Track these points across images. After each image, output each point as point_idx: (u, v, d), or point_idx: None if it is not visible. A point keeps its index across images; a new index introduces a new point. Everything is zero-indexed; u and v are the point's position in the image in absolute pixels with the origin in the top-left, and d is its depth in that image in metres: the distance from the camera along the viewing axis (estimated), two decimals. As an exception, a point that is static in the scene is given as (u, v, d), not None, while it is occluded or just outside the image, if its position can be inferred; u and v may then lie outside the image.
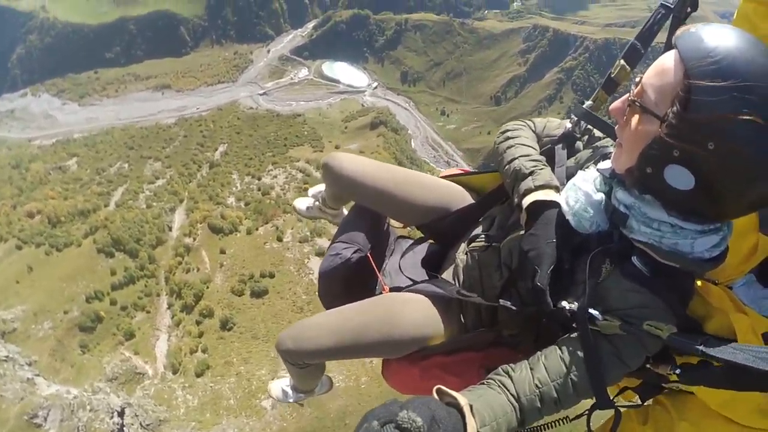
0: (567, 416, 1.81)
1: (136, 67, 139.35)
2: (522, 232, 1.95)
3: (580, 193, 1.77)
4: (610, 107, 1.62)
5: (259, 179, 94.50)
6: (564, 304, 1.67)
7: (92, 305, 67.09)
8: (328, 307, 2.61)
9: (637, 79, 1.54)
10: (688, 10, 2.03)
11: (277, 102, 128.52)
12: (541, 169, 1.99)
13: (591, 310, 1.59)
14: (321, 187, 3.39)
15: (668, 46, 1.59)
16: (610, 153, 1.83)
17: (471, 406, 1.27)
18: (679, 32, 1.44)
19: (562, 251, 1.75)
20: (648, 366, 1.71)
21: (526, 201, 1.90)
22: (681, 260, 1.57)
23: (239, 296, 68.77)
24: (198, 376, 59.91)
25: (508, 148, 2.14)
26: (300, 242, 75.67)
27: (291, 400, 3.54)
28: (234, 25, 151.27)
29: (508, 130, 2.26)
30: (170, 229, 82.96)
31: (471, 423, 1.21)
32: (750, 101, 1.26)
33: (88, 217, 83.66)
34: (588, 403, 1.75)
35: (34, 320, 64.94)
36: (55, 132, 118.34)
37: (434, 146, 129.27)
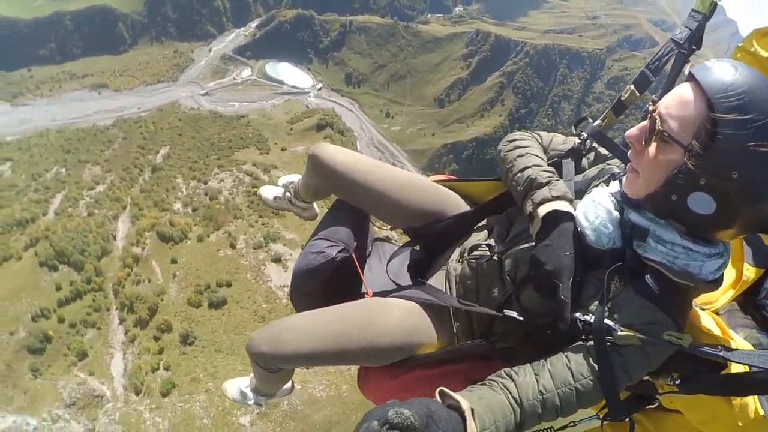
0: (552, 426, 1.81)
1: (72, 65, 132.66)
2: (529, 244, 1.95)
3: (600, 208, 1.78)
4: (627, 134, 1.67)
5: (206, 183, 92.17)
6: (578, 315, 1.70)
7: (39, 324, 63.52)
8: (300, 309, 2.47)
9: (651, 108, 1.62)
10: (693, 47, 2.23)
11: (220, 103, 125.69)
12: (557, 180, 1.97)
13: (608, 322, 1.64)
14: (293, 177, 3.29)
15: (672, 77, 1.78)
16: (618, 174, 1.93)
17: (472, 410, 1.28)
18: (697, 67, 1.52)
19: (578, 264, 1.76)
20: (646, 378, 1.81)
21: (543, 210, 1.86)
22: (691, 280, 1.65)
23: (197, 308, 66.84)
24: (164, 395, 57.68)
25: (519, 156, 2.10)
26: (254, 248, 74.52)
27: (250, 403, 3.34)
28: (174, 23, 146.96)
29: (516, 140, 2.22)
30: (115, 238, 79.39)
31: (471, 427, 1.22)
32: (766, 134, 1.40)
33: (27, 228, 78.97)
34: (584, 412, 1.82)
35: (-22, 344, 60.61)
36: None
37: (379, 148, 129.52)
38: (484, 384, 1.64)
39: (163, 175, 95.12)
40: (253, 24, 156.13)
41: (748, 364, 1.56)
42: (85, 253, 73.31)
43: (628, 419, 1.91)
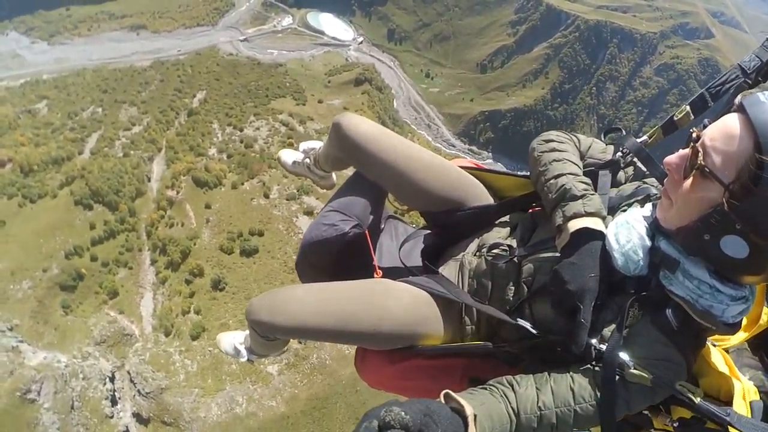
0: None
1: (111, 5, 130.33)
2: (552, 254, 1.91)
3: (633, 233, 1.72)
4: (666, 161, 1.60)
5: (241, 131, 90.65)
6: (593, 342, 1.67)
7: (72, 262, 63.42)
8: (305, 280, 2.51)
9: (695, 136, 1.54)
10: (759, 79, 2.07)
11: (258, 50, 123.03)
12: (592, 194, 1.89)
13: (622, 355, 1.62)
14: (315, 144, 3.23)
15: (729, 107, 1.60)
16: (655, 195, 1.88)
17: (475, 417, 1.27)
18: (749, 98, 1.44)
19: (601, 288, 1.72)
20: (644, 412, 1.78)
21: (574, 225, 1.81)
22: (712, 322, 1.61)
23: (229, 254, 66.07)
24: (194, 339, 57.48)
25: (555, 161, 2.02)
26: (287, 200, 73.40)
27: (243, 359, 3.26)
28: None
29: (553, 141, 2.13)
30: (149, 180, 79.04)
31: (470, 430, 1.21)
32: None
33: (63, 166, 78.56)
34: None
35: (12, 280, 60.51)
36: (23, 72, 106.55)
37: (416, 108, 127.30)
38: (485, 388, 1.65)
39: (199, 119, 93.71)
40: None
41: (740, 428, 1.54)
42: (119, 193, 72.97)
43: None
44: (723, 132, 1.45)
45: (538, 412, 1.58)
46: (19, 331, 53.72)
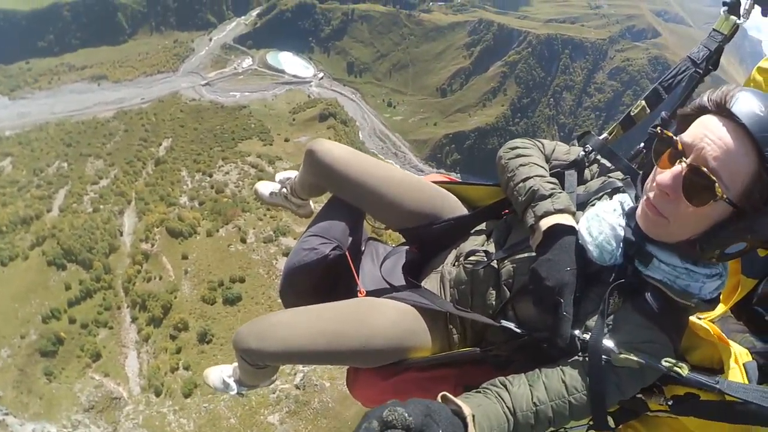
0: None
1: (71, 57, 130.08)
2: (528, 254, 1.94)
3: (604, 224, 1.77)
4: (659, 182, 1.54)
5: (211, 176, 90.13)
6: (577, 333, 1.70)
7: (50, 325, 61.90)
8: (289, 306, 2.40)
9: (683, 147, 1.52)
10: (710, 68, 2.21)
11: (221, 93, 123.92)
12: (560, 192, 1.94)
13: (606, 342, 1.63)
14: (290, 174, 3.27)
15: (685, 97, 1.78)
16: (622, 187, 1.93)
17: (473, 417, 1.27)
18: (738, 105, 1.43)
19: (579, 280, 1.75)
20: (639, 396, 1.81)
21: (545, 224, 1.83)
22: (690, 299, 1.65)
23: (211, 305, 65.20)
24: (186, 396, 56.27)
25: (521, 165, 2.06)
26: (265, 242, 72.91)
27: (232, 393, 3.24)
28: (174, 12, 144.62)
29: (518, 147, 2.17)
30: (121, 234, 77.61)
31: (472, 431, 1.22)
32: None
33: (32, 225, 77.05)
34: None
35: (-11, 349, 58.70)
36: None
37: (382, 138, 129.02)
38: (479, 392, 1.67)
39: (167, 168, 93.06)
40: (254, 12, 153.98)
41: (744, 400, 1.55)
42: (92, 250, 71.55)
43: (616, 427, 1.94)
44: (719, 142, 1.43)
45: (534, 408, 1.60)
46: (3, 403, 52.30)
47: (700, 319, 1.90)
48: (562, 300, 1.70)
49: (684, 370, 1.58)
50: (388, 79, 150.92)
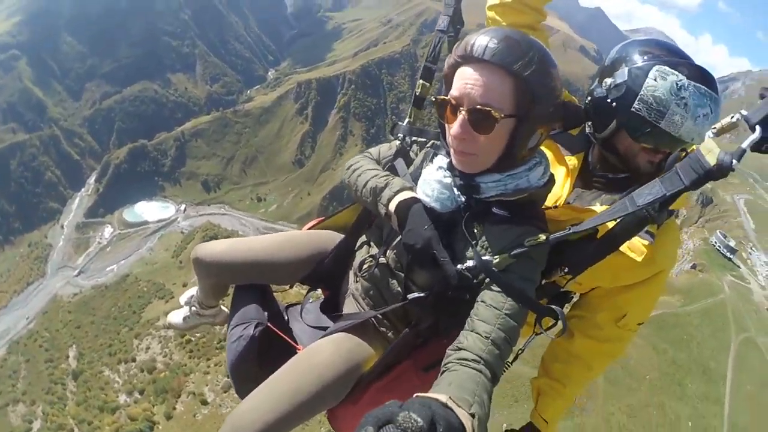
0: (508, 361, 2.08)
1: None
2: (399, 237, 2.12)
3: (432, 182, 2.03)
4: (453, 134, 1.85)
5: (134, 360, 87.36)
6: (459, 267, 1.91)
7: None
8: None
9: (455, 100, 1.85)
10: (458, 26, 2.53)
11: (98, 274, 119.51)
12: (393, 178, 2.19)
13: (486, 258, 1.87)
14: (191, 291, 3.33)
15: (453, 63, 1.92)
16: (435, 151, 2.24)
17: (450, 399, 1.23)
18: (473, 48, 1.78)
19: (438, 231, 1.97)
20: (546, 281, 2.15)
21: (392, 205, 2.07)
22: (527, 191, 1.96)
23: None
24: None
25: (358, 176, 2.31)
26: (225, 391, 71.58)
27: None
28: (15, 216, 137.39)
29: (351, 165, 2.44)
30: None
31: (460, 412, 1.19)
32: (551, 67, 1.81)
33: None
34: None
35: None
36: None
37: (268, 232, 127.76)
38: (444, 371, 1.68)
39: (88, 376, 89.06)
40: (91, 179, 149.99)
41: (594, 225, 1.86)
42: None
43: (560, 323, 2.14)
44: (482, 84, 1.76)
45: (488, 341, 1.69)
46: None
47: (557, 207, 2.31)
48: (435, 251, 1.92)
49: (541, 238, 1.85)
50: (245, 177, 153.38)
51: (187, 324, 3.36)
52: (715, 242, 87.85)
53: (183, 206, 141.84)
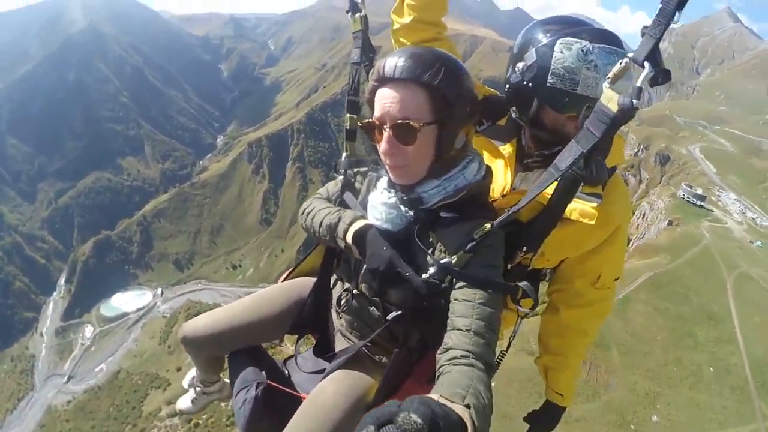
0: (502, 351, 2.27)
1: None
2: (364, 266, 2.22)
3: (379, 206, 2.13)
4: (381, 151, 1.97)
5: None
6: (424, 276, 1.96)
7: None
8: None
9: (378, 123, 1.95)
10: (371, 55, 2.67)
11: (88, 375, 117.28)
12: (344, 212, 2.27)
13: (444, 260, 1.94)
14: (192, 373, 3.34)
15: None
16: (379, 175, 2.32)
17: (441, 396, 1.22)
18: (384, 72, 1.90)
19: (397, 249, 2.04)
20: (511, 266, 2.25)
21: (348, 237, 2.14)
22: (466, 188, 2.06)
23: None
24: None
25: (312, 218, 2.39)
26: None
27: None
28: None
29: (305, 209, 2.51)
30: None
31: (455, 407, 1.20)
32: (458, 71, 1.91)
33: None
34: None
35: None
36: None
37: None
38: (438, 376, 1.70)
39: None
40: (61, 281, 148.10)
41: (529, 200, 1.91)
42: None
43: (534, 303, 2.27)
44: (397, 102, 1.88)
45: (471, 333, 1.74)
46: None
47: (504, 196, 2.40)
48: (399, 268, 1.99)
49: (487, 226, 1.90)
50: (216, 248, 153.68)
51: (196, 406, 3.40)
52: (683, 194, 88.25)
53: (159, 290, 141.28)
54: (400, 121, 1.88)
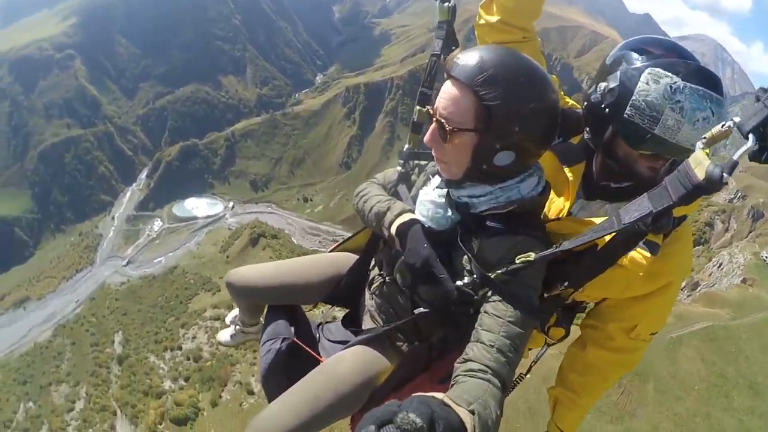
0: (521, 373, 2.15)
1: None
2: (401, 257, 2.22)
3: (427, 203, 2.10)
4: (425, 140, 1.99)
5: (180, 349, 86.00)
6: (459, 283, 1.96)
7: None
8: None
9: (431, 113, 1.97)
10: (453, 48, 2.54)
11: (146, 265, 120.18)
12: (394, 202, 2.29)
13: (486, 274, 1.89)
14: (235, 311, 3.58)
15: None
16: (436, 171, 2.22)
17: (448, 397, 1.29)
18: (451, 66, 1.86)
19: (437, 249, 2.04)
20: (546, 296, 2.11)
21: (393, 228, 2.16)
22: (518, 203, 1.99)
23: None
24: None
25: (364, 202, 2.42)
26: None
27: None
28: (68, 206, 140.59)
29: (359, 192, 2.55)
30: (122, 447, 72.65)
31: (459, 410, 1.24)
32: (521, 87, 1.80)
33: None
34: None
35: None
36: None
37: (314, 233, 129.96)
38: (452, 384, 1.70)
39: (133, 361, 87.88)
40: (143, 175, 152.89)
41: (578, 244, 1.81)
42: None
43: (569, 333, 2.25)
44: (448, 99, 1.88)
45: (494, 349, 1.72)
46: None
47: (560, 219, 2.30)
48: (434, 269, 2.02)
49: (530, 256, 1.85)
50: (293, 178, 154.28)
51: (235, 341, 3.64)
52: (766, 257, 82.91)
53: (231, 203, 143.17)
54: (439, 118, 1.92)
